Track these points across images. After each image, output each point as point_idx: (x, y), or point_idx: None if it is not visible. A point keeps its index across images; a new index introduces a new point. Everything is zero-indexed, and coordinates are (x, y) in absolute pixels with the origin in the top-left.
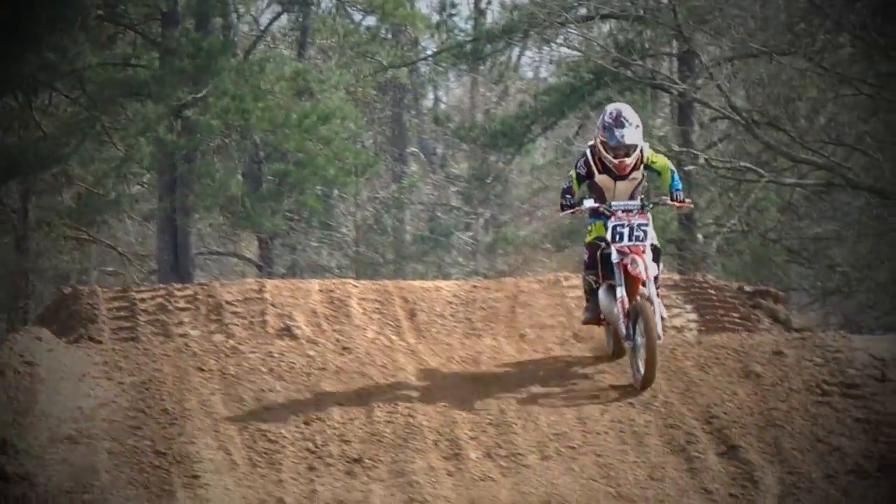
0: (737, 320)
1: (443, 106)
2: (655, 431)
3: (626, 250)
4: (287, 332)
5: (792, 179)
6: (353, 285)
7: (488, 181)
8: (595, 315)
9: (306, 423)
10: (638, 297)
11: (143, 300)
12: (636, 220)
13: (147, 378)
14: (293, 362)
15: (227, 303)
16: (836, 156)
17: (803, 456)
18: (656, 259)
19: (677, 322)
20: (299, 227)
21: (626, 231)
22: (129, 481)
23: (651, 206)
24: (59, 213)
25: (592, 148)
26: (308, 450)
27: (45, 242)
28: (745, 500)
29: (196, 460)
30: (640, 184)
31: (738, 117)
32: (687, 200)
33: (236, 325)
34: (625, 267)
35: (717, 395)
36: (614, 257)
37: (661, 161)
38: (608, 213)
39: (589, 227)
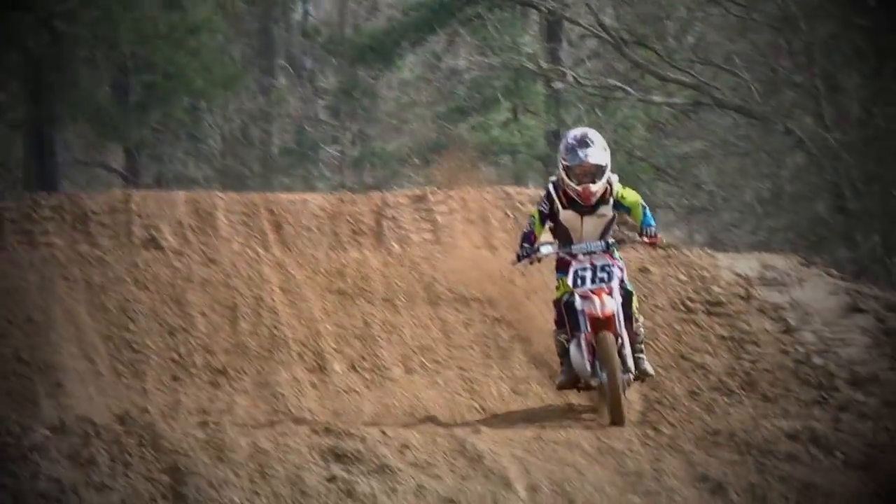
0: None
1: (312, 19)
2: (519, 346)
3: (589, 294)
4: (153, 242)
5: (659, 98)
6: (220, 197)
7: (356, 95)
8: (570, 377)
9: (171, 334)
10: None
11: (8, 209)
12: (599, 262)
13: (12, 286)
14: (158, 273)
15: (93, 213)
16: (704, 75)
17: (667, 372)
18: (627, 304)
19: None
20: (166, 138)
21: (588, 274)
22: None
23: (616, 245)
24: None
25: (555, 183)
26: (173, 360)
27: None
28: (606, 417)
29: (60, 369)
30: (610, 223)
31: (606, 35)
32: (659, 236)
33: (102, 235)
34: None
35: None
36: (577, 304)
37: (631, 197)
38: (569, 258)
39: (557, 283)
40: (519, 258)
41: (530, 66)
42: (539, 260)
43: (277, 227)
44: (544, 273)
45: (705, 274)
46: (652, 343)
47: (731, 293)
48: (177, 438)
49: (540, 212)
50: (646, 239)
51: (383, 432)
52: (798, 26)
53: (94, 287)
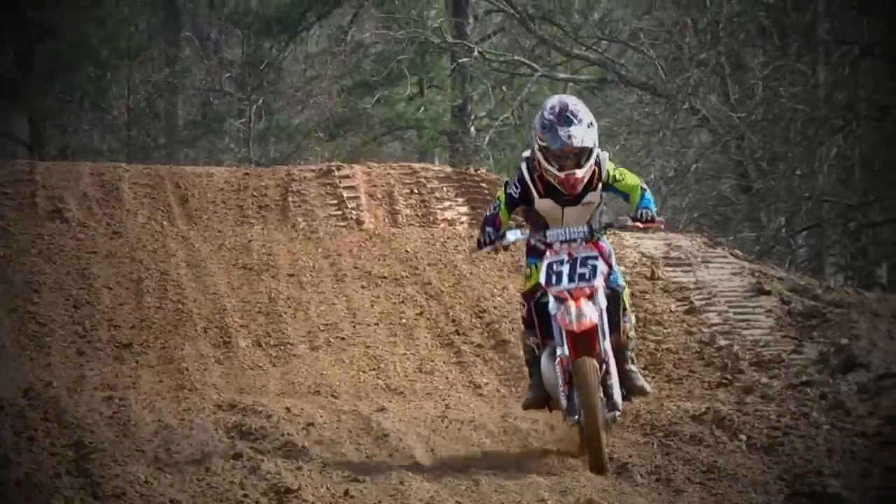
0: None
1: None
2: (425, 324)
3: (566, 296)
4: (57, 214)
5: (565, 74)
6: (125, 169)
7: (262, 68)
8: (538, 395)
9: (76, 307)
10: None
11: None
12: (581, 253)
13: None
14: (63, 245)
15: None
16: (610, 52)
17: None
18: (614, 308)
19: (449, 215)
20: (71, 109)
21: (565, 269)
22: None
23: (602, 231)
24: None
25: (530, 162)
26: (77, 334)
27: None
28: (514, 395)
29: None
30: (598, 209)
31: (512, 11)
32: (658, 219)
33: (6, 206)
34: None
35: (487, 290)
36: (551, 307)
37: (630, 179)
38: (542, 247)
39: (527, 271)
40: (480, 245)
41: (436, 40)
42: (505, 248)
43: (183, 201)
44: (449, 250)
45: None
46: None
47: (637, 273)
48: (81, 413)
49: (509, 196)
50: (639, 224)
51: (288, 409)
52: (704, 4)
53: None
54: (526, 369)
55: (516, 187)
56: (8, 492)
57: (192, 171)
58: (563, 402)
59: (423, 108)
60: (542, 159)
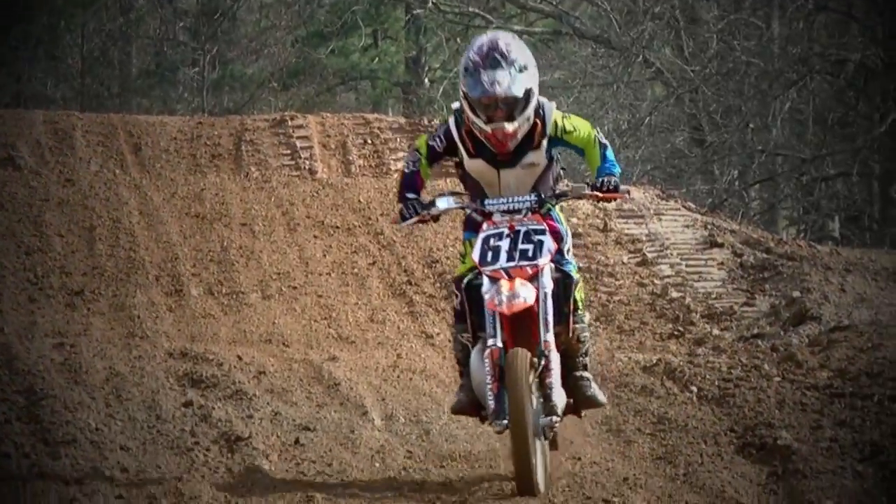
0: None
1: None
2: (377, 274)
3: (501, 275)
4: (10, 162)
5: (520, 26)
6: (78, 118)
7: (216, 17)
8: (467, 399)
9: (27, 254)
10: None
11: None
12: (524, 226)
13: None
14: (15, 192)
15: None
16: (564, 4)
17: None
18: (563, 296)
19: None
20: (25, 56)
21: (504, 244)
22: None
23: (554, 201)
24: None
25: (458, 114)
26: (29, 280)
27: None
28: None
29: None
30: (548, 174)
31: None
32: (623, 188)
33: None
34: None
35: (439, 240)
36: (485, 289)
37: (581, 129)
38: (479, 217)
39: (462, 249)
40: (403, 217)
41: None
42: (435, 219)
43: (136, 149)
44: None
45: (563, 204)
46: None
47: (589, 224)
48: (32, 360)
49: (431, 148)
50: (598, 192)
51: (239, 358)
52: None
53: None
54: (457, 369)
55: (441, 141)
56: None
57: (145, 120)
58: (491, 402)
59: (377, 59)
60: (467, 110)
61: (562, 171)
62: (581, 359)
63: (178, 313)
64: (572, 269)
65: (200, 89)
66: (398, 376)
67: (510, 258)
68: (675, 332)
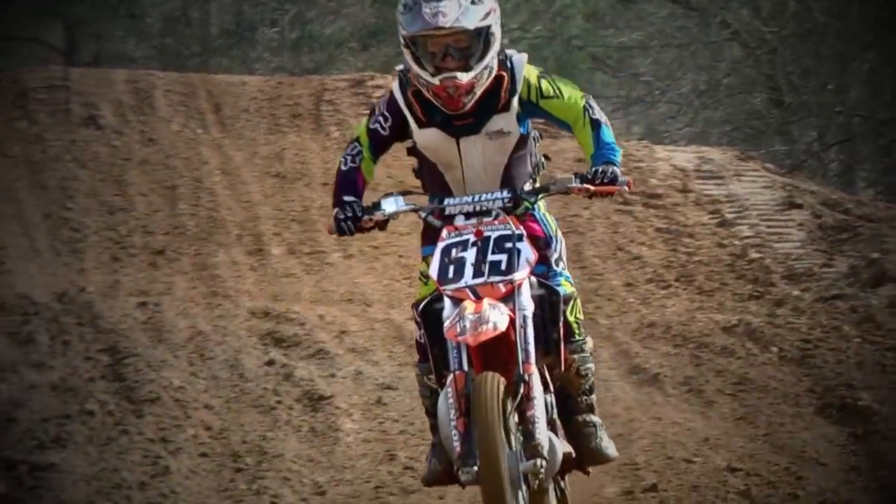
0: (539, 125)
1: None
2: None
3: (467, 295)
4: (92, 121)
5: None
6: (159, 77)
7: None
8: (442, 462)
9: (110, 213)
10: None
11: None
12: (496, 231)
13: None
14: (97, 152)
15: (32, 90)
16: None
17: (604, 263)
18: (549, 317)
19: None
20: (104, 16)
21: (469, 255)
22: None
23: (533, 197)
24: None
25: (403, 74)
26: (112, 240)
27: None
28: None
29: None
30: (522, 154)
31: None
32: (622, 179)
33: (40, 112)
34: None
35: None
36: (446, 313)
37: (567, 96)
38: (437, 223)
39: (423, 268)
40: (340, 227)
41: None
42: (381, 226)
43: (216, 109)
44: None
45: (642, 165)
46: (588, 233)
47: (669, 185)
48: (116, 319)
49: (372, 132)
50: (588, 186)
51: (321, 317)
52: None
53: (34, 164)
54: (427, 424)
55: (385, 118)
56: (43, 395)
57: (225, 80)
58: (456, 444)
59: None
60: (410, 61)
61: (544, 159)
62: (584, 398)
63: (260, 273)
64: (562, 284)
65: (280, 49)
66: None
67: (477, 273)
68: (755, 293)
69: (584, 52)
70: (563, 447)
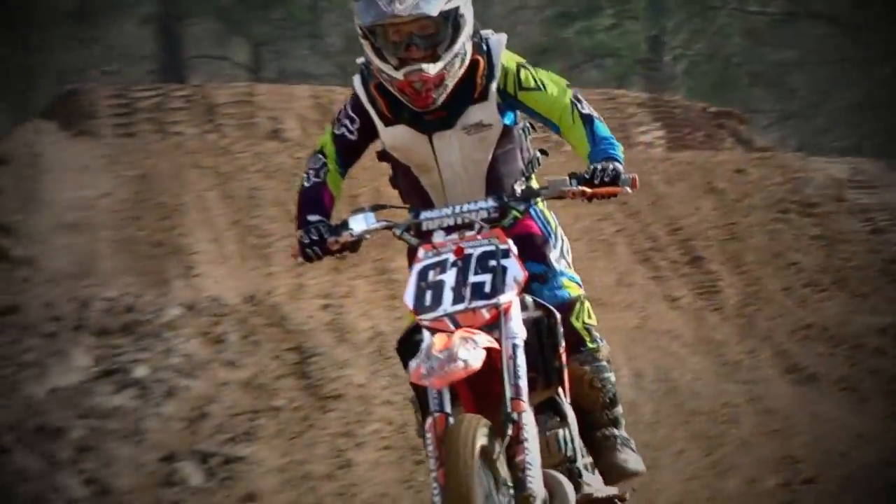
0: (701, 139)
1: None
2: (623, 240)
3: (446, 326)
4: (276, 134)
5: (756, 7)
6: (338, 93)
7: None
8: None
9: (292, 221)
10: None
11: (141, 99)
12: (478, 246)
13: (145, 173)
14: (281, 162)
15: (221, 104)
16: None
17: (762, 269)
18: (548, 341)
19: (645, 138)
20: (288, 34)
21: (448, 278)
22: (126, 269)
23: (522, 204)
24: (62, 12)
25: (365, 68)
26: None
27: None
28: (708, 308)
29: (190, 252)
30: (508, 148)
31: None
32: (625, 177)
33: (228, 125)
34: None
35: (682, 209)
36: (424, 345)
37: (549, 88)
38: (414, 241)
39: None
40: (305, 253)
41: None
42: (352, 247)
43: None
44: (646, 171)
45: (799, 176)
46: (748, 240)
47: (824, 195)
48: (301, 320)
49: (338, 138)
50: (585, 188)
51: None
52: None
53: (223, 175)
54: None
55: (350, 119)
56: (234, 392)
57: None
58: (437, 498)
59: (619, 38)
60: (370, 54)
61: (540, 154)
62: (607, 412)
63: None
64: (564, 286)
65: None
66: (644, 337)
67: (458, 298)
68: None
69: (742, 69)
70: (574, 491)
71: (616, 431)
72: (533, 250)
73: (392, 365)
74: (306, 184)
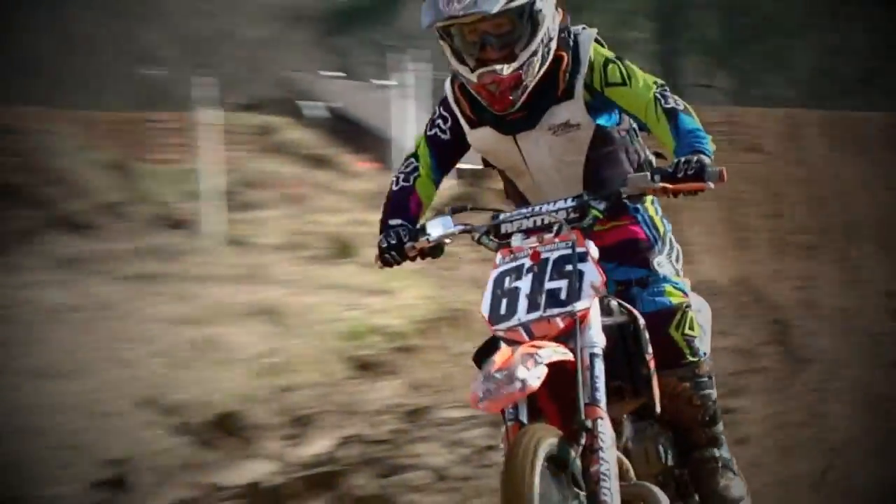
0: None
1: None
2: None
3: (521, 337)
4: (755, 148)
5: None
6: (807, 114)
7: None
8: None
9: (771, 217)
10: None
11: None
12: (553, 252)
13: None
14: (760, 171)
15: (708, 123)
16: None
17: None
18: (637, 350)
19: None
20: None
21: (523, 284)
22: None
23: (602, 204)
24: None
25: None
26: (774, 238)
27: None
28: None
29: (688, 243)
30: (610, 148)
31: None
32: (711, 170)
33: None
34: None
35: None
36: (484, 366)
37: (634, 82)
38: (492, 245)
39: None
40: (383, 258)
41: None
42: (433, 253)
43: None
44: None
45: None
46: None
47: None
48: (779, 298)
49: (431, 140)
50: (667, 184)
51: None
52: None
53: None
54: None
55: (443, 119)
56: (726, 356)
57: (850, 115)
58: None
59: None
60: (450, 57)
61: (653, 157)
62: (706, 430)
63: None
64: (667, 292)
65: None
66: None
67: (532, 306)
68: None
69: None
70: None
71: (717, 452)
72: (637, 255)
73: (853, 336)
74: (394, 188)
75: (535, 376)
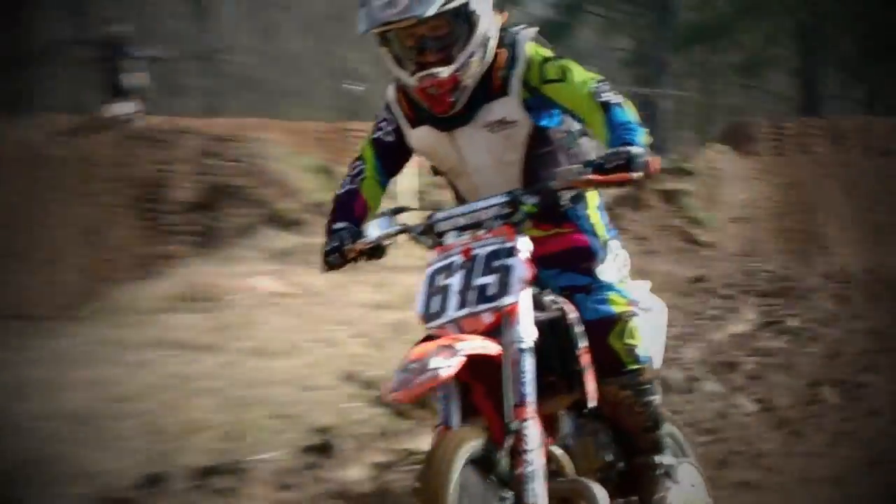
0: None
1: None
2: None
3: (445, 332)
4: (887, 152)
5: None
6: None
7: None
8: None
9: None
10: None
11: (788, 128)
12: (485, 246)
13: (791, 181)
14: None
15: (843, 131)
16: None
17: None
18: (567, 343)
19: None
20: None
21: (454, 281)
22: (781, 249)
23: (533, 199)
24: (731, 64)
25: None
26: None
27: (721, 86)
28: None
29: (824, 237)
30: (542, 145)
31: None
32: (641, 160)
33: (852, 146)
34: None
35: None
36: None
37: (572, 77)
38: (428, 244)
39: None
40: (326, 261)
41: None
42: (373, 254)
43: None
44: None
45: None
46: None
47: None
48: None
49: (376, 143)
50: (594, 175)
51: None
52: None
53: (846, 181)
54: None
55: (386, 121)
56: (860, 338)
57: None
58: None
59: None
60: (389, 62)
61: (571, 132)
62: (649, 436)
63: None
64: (609, 300)
65: None
66: None
67: (462, 303)
68: None
69: None
70: (608, 498)
71: (658, 458)
72: (580, 263)
73: None
74: (339, 191)
75: (448, 365)
